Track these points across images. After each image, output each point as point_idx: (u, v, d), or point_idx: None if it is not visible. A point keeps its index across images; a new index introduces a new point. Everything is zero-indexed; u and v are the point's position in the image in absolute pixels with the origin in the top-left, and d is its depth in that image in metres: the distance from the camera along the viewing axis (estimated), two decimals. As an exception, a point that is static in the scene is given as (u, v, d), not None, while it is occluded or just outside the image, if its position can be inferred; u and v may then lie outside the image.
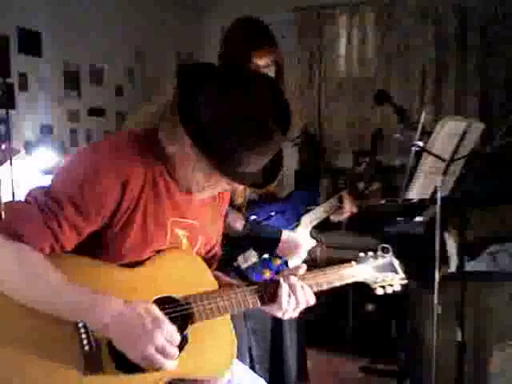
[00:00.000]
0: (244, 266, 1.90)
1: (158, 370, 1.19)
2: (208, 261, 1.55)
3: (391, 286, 1.57)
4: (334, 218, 2.16)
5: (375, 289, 1.55)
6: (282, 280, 1.40)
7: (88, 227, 1.25)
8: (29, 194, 1.25)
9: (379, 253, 1.60)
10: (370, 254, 1.59)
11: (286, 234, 1.99)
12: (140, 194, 1.29)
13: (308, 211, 2.12)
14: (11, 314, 1.19)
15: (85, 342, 1.19)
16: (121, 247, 1.30)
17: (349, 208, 2.12)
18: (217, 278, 1.48)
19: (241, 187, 1.69)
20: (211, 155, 1.21)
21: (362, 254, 1.58)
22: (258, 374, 1.96)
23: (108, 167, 1.24)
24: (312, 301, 1.42)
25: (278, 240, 1.95)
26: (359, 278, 1.55)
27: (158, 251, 1.37)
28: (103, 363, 1.21)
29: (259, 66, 1.86)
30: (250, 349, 1.98)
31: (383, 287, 1.56)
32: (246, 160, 1.24)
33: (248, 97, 1.22)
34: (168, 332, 1.17)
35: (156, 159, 1.31)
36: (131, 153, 1.28)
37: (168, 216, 1.36)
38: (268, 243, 1.95)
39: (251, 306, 1.39)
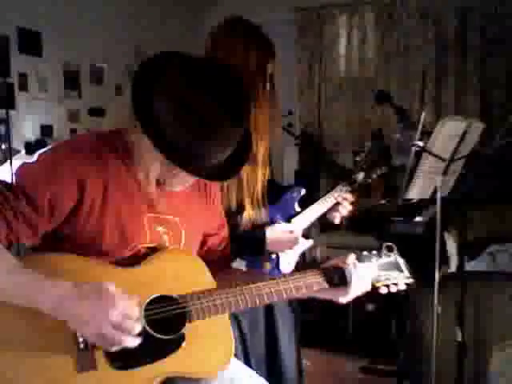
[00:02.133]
0: None
1: (117, 347, 1.16)
2: (221, 257, 1.57)
3: (396, 284, 1.53)
4: (333, 219, 2.01)
5: (379, 287, 1.52)
6: (348, 265, 1.46)
7: (42, 223, 1.25)
8: None
9: (383, 252, 1.57)
10: (374, 252, 1.56)
11: (270, 229, 1.90)
12: (105, 190, 1.29)
13: (299, 212, 2.01)
14: (4, 312, 1.18)
15: (80, 339, 1.19)
16: (99, 247, 1.30)
17: (347, 205, 1.99)
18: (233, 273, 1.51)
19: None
20: (164, 149, 1.22)
21: (365, 253, 1.55)
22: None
23: (64, 167, 1.25)
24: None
25: (263, 240, 1.87)
26: None
27: (156, 250, 1.37)
28: (97, 361, 1.21)
29: (271, 74, 1.83)
30: (246, 354, 1.88)
31: (387, 286, 1.52)
32: (199, 152, 1.24)
33: (195, 88, 1.22)
34: (124, 307, 1.14)
35: (122, 156, 1.32)
36: (91, 152, 1.29)
37: (143, 212, 1.36)
38: (254, 245, 1.86)
39: (249, 306, 1.38)
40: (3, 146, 3.20)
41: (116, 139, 1.33)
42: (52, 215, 1.25)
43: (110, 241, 1.31)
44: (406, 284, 1.55)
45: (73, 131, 4.22)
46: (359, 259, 1.54)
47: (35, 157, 1.30)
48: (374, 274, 1.53)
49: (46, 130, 4.00)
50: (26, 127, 3.84)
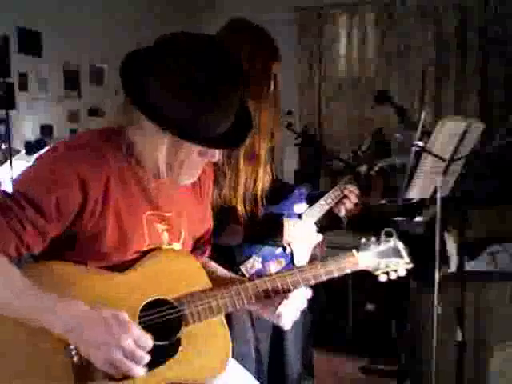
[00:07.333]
0: (249, 274, 1.87)
1: (124, 376, 1.14)
2: (198, 250, 1.54)
3: (395, 271, 1.50)
4: (338, 211, 2.06)
5: (378, 276, 1.49)
6: None
7: (51, 228, 1.22)
8: None
9: (382, 238, 1.52)
10: (373, 239, 1.52)
11: (287, 220, 1.94)
12: (106, 190, 1.26)
13: (307, 208, 2.05)
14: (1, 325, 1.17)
15: (73, 352, 1.17)
16: (100, 248, 1.27)
17: (352, 197, 2.03)
18: (214, 273, 1.48)
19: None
20: (171, 126, 1.21)
21: (363, 240, 1.51)
22: (265, 369, 1.95)
23: (65, 169, 1.22)
24: (307, 296, 1.42)
25: (278, 224, 1.90)
26: (361, 267, 1.48)
27: (148, 251, 1.35)
28: (93, 373, 1.18)
29: (275, 75, 1.87)
30: (257, 343, 1.92)
31: (387, 273, 1.49)
32: (205, 121, 1.24)
33: (188, 60, 1.22)
34: (137, 336, 1.12)
35: (122, 153, 1.30)
36: (91, 151, 1.26)
37: (143, 210, 1.34)
38: (269, 229, 1.90)
39: (245, 304, 1.37)
40: (3, 146, 3.20)
41: (117, 136, 1.31)
42: (60, 220, 1.22)
43: (111, 242, 1.28)
44: (407, 270, 1.51)
45: (73, 131, 4.21)
46: (358, 248, 1.50)
47: (34, 162, 1.27)
48: (374, 262, 1.49)
49: (46, 130, 4.00)
50: (26, 127, 3.84)
